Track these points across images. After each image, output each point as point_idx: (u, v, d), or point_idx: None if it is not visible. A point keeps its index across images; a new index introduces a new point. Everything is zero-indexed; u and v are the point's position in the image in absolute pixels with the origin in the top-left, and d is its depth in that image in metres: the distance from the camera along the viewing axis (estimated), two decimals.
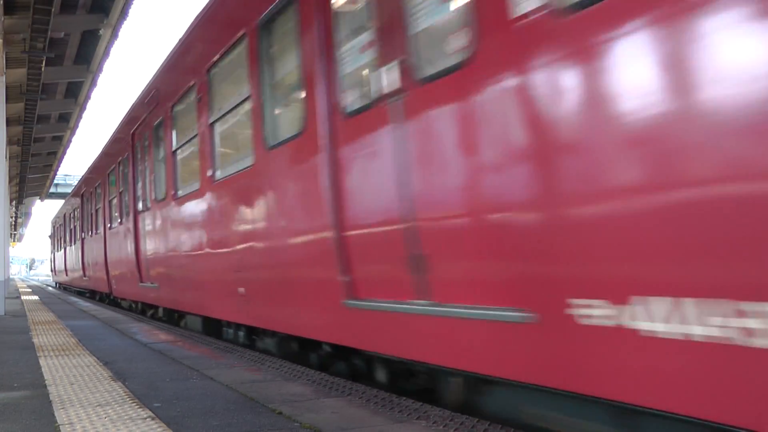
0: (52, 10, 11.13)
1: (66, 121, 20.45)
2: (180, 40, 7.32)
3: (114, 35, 13.10)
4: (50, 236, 31.55)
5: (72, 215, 20.03)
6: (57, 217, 26.58)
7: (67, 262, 22.07)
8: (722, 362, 1.86)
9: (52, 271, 32.31)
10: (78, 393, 3.64)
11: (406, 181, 3.18)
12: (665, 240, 2.00)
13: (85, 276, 17.07)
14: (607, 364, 2.19)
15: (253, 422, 2.92)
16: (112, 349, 5.71)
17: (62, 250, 23.94)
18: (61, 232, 23.99)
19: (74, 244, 19.30)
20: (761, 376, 1.77)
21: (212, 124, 6.24)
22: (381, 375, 4.04)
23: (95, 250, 14.58)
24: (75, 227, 19.08)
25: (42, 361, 4.92)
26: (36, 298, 17.27)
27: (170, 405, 3.31)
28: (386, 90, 3.32)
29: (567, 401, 2.61)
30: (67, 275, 22.91)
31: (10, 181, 23.69)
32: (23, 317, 9.75)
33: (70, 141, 22.64)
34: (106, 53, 14.19)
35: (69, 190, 49.42)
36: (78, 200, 18.18)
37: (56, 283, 32.43)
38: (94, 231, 14.86)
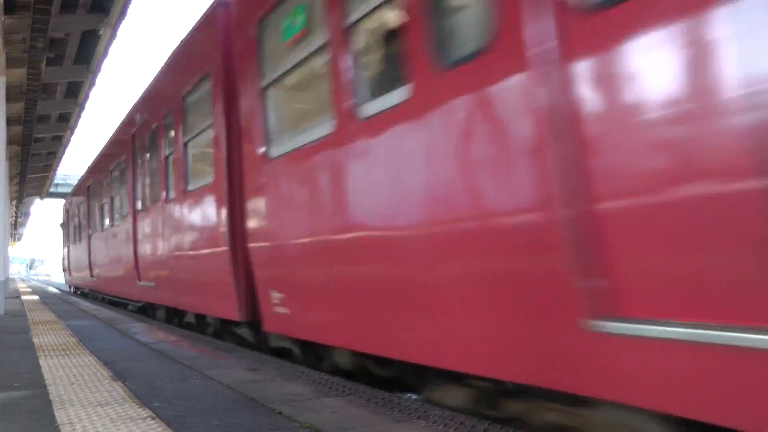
0: (52, 10, 11.14)
1: (66, 121, 20.45)
2: None
3: (114, 35, 13.11)
4: (62, 225, 22.71)
5: (106, 184, 12.33)
6: (74, 195, 18.80)
7: (94, 257, 14.31)
8: None
9: (65, 270, 23.05)
10: (78, 393, 3.64)
11: None
12: None
13: (140, 280, 9.30)
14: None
15: (253, 422, 2.92)
16: (112, 349, 5.70)
17: (83, 241, 15.96)
18: (83, 216, 16.13)
19: (112, 226, 11.67)
20: None
21: None
22: None
23: (188, 229, 6.93)
24: (111, 201, 11.75)
25: (42, 361, 4.92)
26: (36, 298, 17.27)
27: (170, 405, 3.31)
28: None
29: None
30: (92, 276, 14.95)
31: (10, 181, 23.70)
32: (23, 317, 9.75)
33: (70, 141, 22.65)
34: (105, 53, 14.20)
35: (69, 190, 49.16)
36: (121, 156, 10.67)
37: (71, 288, 23.14)
38: (178, 192, 7.21)
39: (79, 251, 17.07)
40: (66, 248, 21.45)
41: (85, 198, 15.64)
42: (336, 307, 4.06)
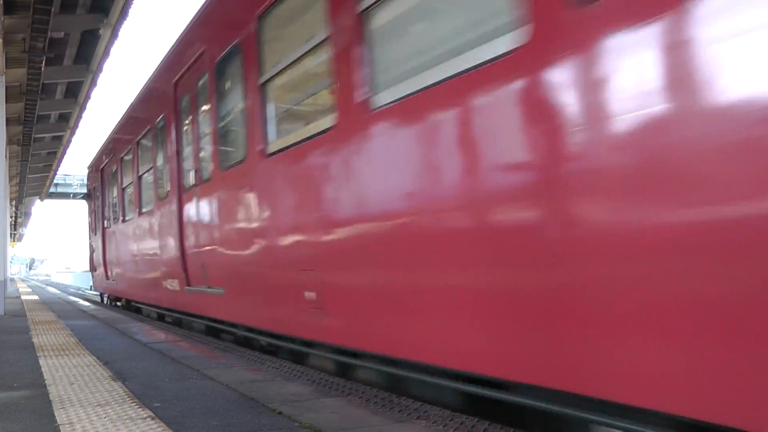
0: (52, 9, 11.13)
1: (66, 121, 20.45)
2: None
3: (114, 35, 13.10)
4: (89, 195, 14.98)
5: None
6: (120, 132, 10.97)
7: (204, 238, 6.36)
8: None
9: (94, 270, 14.83)
10: (78, 393, 3.64)
11: None
12: None
13: None
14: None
15: (253, 422, 2.92)
16: (112, 349, 5.71)
17: (161, 210, 8.07)
18: (160, 161, 8.36)
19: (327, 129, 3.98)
20: None
21: None
22: None
23: None
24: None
25: (42, 361, 4.92)
26: (36, 298, 17.27)
27: (170, 405, 3.31)
28: None
29: None
30: (190, 283, 6.94)
31: (10, 181, 23.70)
32: (23, 317, 9.75)
33: (70, 141, 22.65)
34: (106, 53, 14.19)
35: (69, 190, 48.98)
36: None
37: (106, 299, 15.12)
38: None
39: (141, 235, 9.33)
40: (99, 233, 13.10)
41: (165, 119, 7.92)
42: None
